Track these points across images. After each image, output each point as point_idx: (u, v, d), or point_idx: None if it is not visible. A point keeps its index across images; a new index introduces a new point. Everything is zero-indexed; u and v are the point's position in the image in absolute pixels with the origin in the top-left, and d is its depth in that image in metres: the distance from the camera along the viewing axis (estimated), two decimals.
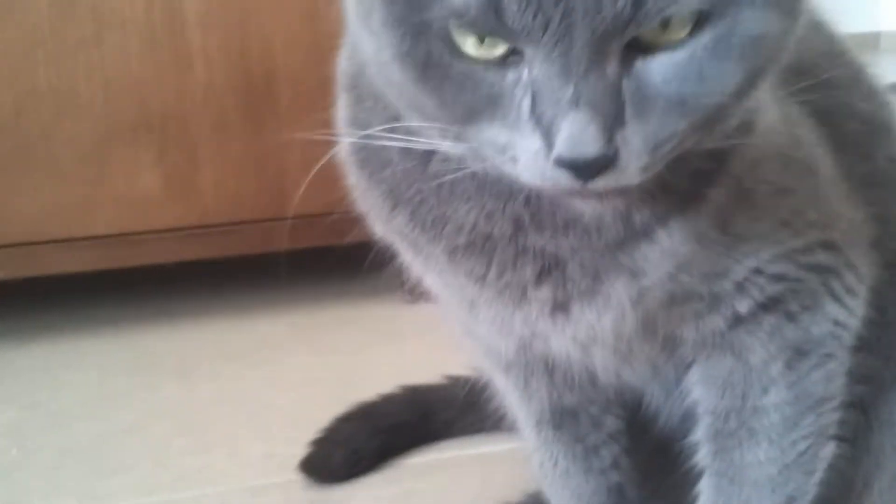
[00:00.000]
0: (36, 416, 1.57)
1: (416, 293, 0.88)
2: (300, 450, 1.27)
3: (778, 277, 0.76)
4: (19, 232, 1.82)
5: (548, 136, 0.56)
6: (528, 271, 0.72)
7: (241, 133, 1.88)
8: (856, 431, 0.85)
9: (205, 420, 1.51)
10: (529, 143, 0.57)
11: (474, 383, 1.25)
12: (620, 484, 0.93)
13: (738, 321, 0.77)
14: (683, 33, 0.56)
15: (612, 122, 0.55)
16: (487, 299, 0.76)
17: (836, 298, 0.79)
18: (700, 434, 0.84)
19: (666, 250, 0.71)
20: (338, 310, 1.98)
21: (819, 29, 0.89)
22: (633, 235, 0.70)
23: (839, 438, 0.83)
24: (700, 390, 0.83)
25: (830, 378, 0.80)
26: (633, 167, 0.57)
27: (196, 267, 1.98)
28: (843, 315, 0.80)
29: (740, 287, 0.76)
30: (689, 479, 0.85)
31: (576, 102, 0.54)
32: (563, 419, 0.92)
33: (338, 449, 1.27)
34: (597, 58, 0.54)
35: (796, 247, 0.76)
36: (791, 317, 0.78)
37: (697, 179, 0.69)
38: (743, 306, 0.77)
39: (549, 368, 0.87)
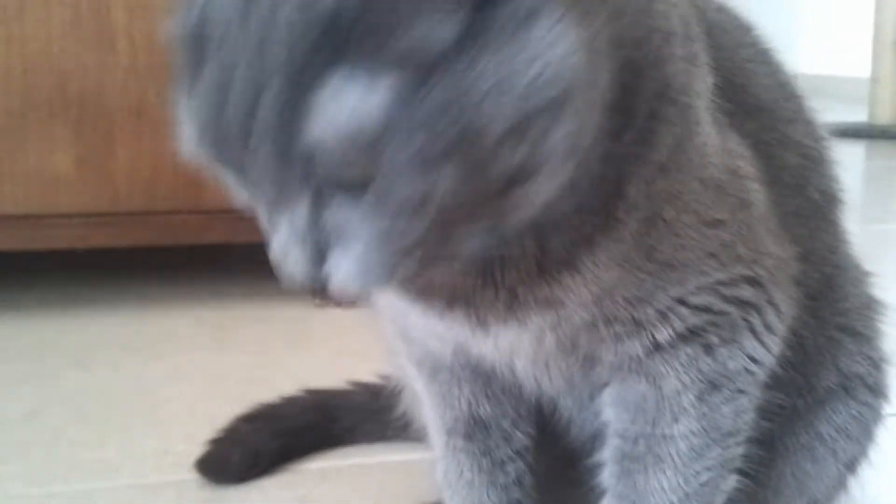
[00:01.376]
0: None
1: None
2: (197, 448, 1.24)
3: (701, 308, 0.77)
4: None
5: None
6: (437, 299, 0.73)
7: (160, 120, 1.83)
8: (759, 466, 0.86)
9: (102, 411, 1.47)
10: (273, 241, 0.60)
11: (379, 390, 1.25)
12: (520, 501, 0.93)
13: (656, 349, 0.77)
14: None
15: (314, 254, 0.57)
16: (416, 311, 0.77)
17: (755, 334, 0.80)
18: (606, 454, 0.84)
19: (589, 279, 0.71)
20: (247, 308, 1.95)
21: (766, 58, 0.90)
22: (552, 266, 0.70)
23: (741, 472, 0.84)
24: (611, 411, 0.83)
25: (739, 413, 0.81)
26: (353, 284, 0.58)
27: (106, 254, 1.94)
28: (759, 351, 0.80)
29: (662, 315, 0.76)
30: (592, 497, 0.85)
31: (275, 232, 0.58)
32: (476, 430, 0.92)
33: (236, 449, 1.24)
34: (286, 197, 0.56)
35: (721, 279, 0.77)
36: (709, 349, 0.78)
37: (606, 204, 0.69)
38: (663, 335, 0.77)
39: (475, 374, 0.88)
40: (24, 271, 2.08)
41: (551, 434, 0.93)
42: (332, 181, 0.56)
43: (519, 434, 0.92)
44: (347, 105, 0.52)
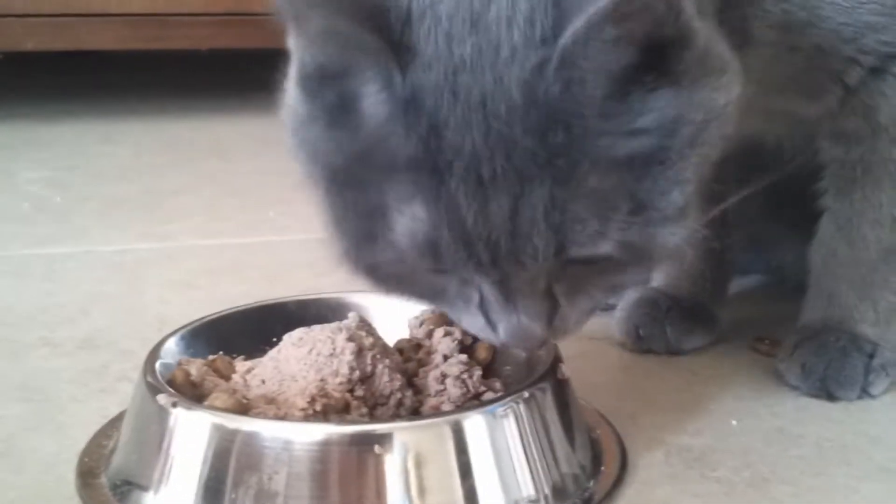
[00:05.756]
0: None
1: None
2: None
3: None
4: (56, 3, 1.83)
5: (492, 324, 0.64)
6: None
7: None
8: None
9: (247, 188, 1.57)
10: (476, 321, 0.65)
11: None
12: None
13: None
14: None
15: (546, 317, 0.62)
16: None
17: None
18: (825, 181, 0.86)
19: None
20: None
21: None
22: None
23: None
24: (827, 144, 0.85)
25: None
26: (570, 332, 0.65)
27: (231, 56, 1.99)
28: None
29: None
30: (809, 222, 0.89)
31: (514, 312, 0.62)
32: None
33: None
34: (527, 284, 0.61)
35: None
36: None
37: None
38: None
39: None
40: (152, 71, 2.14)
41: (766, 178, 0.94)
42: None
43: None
44: None
